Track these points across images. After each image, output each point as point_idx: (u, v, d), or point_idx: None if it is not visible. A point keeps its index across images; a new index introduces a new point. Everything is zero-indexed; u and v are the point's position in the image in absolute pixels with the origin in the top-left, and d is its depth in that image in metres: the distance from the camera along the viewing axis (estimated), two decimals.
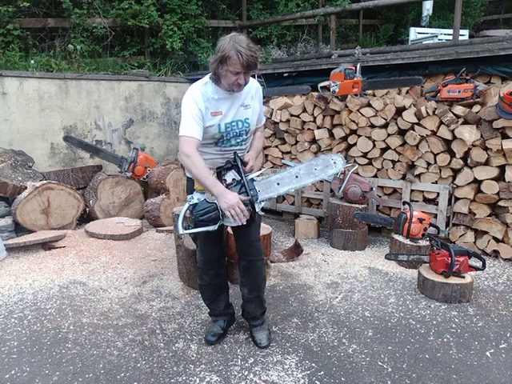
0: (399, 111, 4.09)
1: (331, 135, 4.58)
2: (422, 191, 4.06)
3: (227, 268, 2.69)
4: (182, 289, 3.23)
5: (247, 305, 2.53)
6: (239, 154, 2.30)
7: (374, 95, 4.55)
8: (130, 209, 4.98)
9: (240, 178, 2.19)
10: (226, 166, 2.22)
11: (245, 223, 2.12)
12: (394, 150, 4.15)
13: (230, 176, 2.20)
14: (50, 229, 4.33)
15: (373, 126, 4.25)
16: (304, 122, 4.72)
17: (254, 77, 4.78)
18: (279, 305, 2.97)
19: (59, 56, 5.64)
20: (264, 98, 4.94)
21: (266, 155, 5.08)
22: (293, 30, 7.74)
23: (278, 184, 2.27)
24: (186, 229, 2.22)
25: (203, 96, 2.20)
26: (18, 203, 4.14)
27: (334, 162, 2.34)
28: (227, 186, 2.16)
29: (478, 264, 3.08)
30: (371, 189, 4.06)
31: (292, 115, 4.78)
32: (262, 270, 2.49)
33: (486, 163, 3.68)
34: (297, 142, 4.80)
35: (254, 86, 2.34)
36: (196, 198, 2.21)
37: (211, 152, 2.32)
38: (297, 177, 2.29)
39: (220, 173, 2.23)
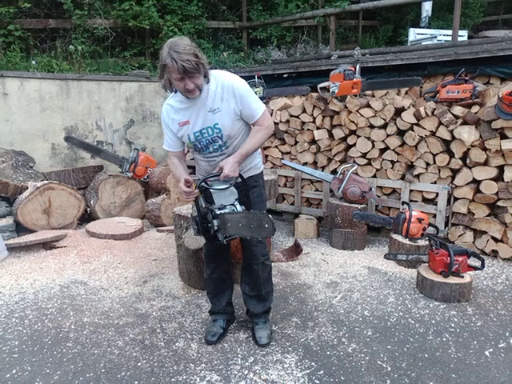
0: (398, 112, 4.10)
1: (331, 136, 4.59)
2: (421, 191, 4.07)
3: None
4: (183, 288, 3.24)
5: (249, 301, 2.54)
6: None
7: (374, 96, 4.56)
8: (131, 209, 5.00)
9: (206, 205, 2.26)
10: (205, 187, 2.26)
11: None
12: (393, 150, 4.16)
13: (202, 200, 2.29)
14: (51, 229, 4.35)
15: (372, 127, 4.27)
16: (303, 123, 4.73)
17: (254, 77, 4.81)
18: (279, 304, 2.98)
19: (60, 57, 5.65)
20: (264, 98, 4.96)
21: (266, 155, 5.09)
22: (292, 31, 7.76)
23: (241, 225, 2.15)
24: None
25: (171, 108, 2.25)
26: (19, 203, 4.15)
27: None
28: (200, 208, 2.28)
29: (477, 264, 3.09)
30: (370, 189, 4.07)
31: (292, 116, 4.79)
32: (263, 273, 2.46)
33: (485, 163, 3.69)
34: (296, 142, 4.81)
35: (223, 86, 2.13)
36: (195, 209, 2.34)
37: (200, 158, 2.38)
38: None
39: (202, 191, 2.28)
